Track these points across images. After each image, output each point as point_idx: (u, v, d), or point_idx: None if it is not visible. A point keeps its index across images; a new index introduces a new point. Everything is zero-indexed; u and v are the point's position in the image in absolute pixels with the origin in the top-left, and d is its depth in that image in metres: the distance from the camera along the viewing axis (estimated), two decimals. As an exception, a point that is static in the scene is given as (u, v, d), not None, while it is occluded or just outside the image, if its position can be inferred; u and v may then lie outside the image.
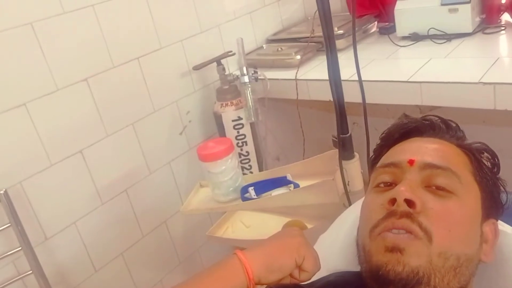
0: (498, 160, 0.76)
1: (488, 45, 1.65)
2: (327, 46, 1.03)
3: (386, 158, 0.75)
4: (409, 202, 0.64)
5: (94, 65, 1.47)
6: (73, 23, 1.40)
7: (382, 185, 0.72)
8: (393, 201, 0.65)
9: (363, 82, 1.52)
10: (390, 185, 0.70)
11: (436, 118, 0.79)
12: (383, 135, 0.81)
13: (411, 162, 0.69)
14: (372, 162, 0.81)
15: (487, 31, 1.71)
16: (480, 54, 1.59)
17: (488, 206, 0.71)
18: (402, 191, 0.64)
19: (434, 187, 0.67)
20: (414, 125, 0.78)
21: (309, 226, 1.21)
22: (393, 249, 0.62)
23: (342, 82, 1.23)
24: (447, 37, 1.71)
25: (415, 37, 1.77)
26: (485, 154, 0.76)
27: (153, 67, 1.63)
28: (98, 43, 1.47)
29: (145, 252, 1.70)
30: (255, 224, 1.37)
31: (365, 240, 0.68)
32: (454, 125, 0.79)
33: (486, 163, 0.75)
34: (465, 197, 0.67)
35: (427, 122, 0.78)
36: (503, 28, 1.70)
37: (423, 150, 0.72)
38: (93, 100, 1.48)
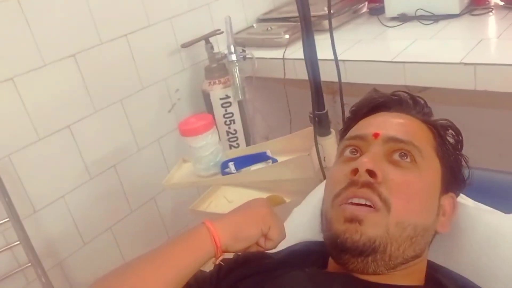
0: (462, 137, 0.78)
1: (474, 26, 1.66)
2: (302, 23, 1.04)
3: (353, 131, 0.77)
4: (371, 173, 0.66)
5: (81, 41, 1.49)
6: (60, -2, 1.41)
7: (347, 155, 0.74)
8: (355, 171, 0.67)
9: (348, 62, 1.54)
10: (355, 156, 0.73)
11: (405, 94, 0.81)
12: (353, 108, 0.83)
13: (375, 135, 0.72)
14: (342, 135, 0.83)
15: (475, 12, 1.72)
16: (465, 35, 1.60)
17: (448, 181, 0.73)
18: (364, 162, 0.67)
19: (397, 155, 0.69)
20: (382, 100, 0.80)
21: (287, 200, 1.24)
22: (352, 220, 0.65)
23: (329, 62, 1.24)
24: (435, 18, 1.71)
25: (403, 18, 1.78)
26: (450, 131, 0.78)
27: (142, 44, 1.65)
28: (85, 19, 1.48)
29: (133, 226, 1.74)
30: (237, 199, 1.40)
31: (327, 208, 0.71)
32: (422, 101, 0.81)
33: (450, 140, 0.77)
34: (425, 170, 0.70)
35: (395, 97, 0.80)
36: (491, 9, 1.71)
37: (388, 124, 0.74)
38: (81, 76, 1.50)
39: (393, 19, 1.83)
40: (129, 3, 1.59)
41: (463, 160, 0.78)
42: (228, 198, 1.43)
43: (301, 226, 0.93)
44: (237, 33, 1.91)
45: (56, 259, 1.53)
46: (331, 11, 1.83)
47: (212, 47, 1.72)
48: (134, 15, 1.61)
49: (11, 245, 1.35)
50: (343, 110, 1.16)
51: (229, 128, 1.75)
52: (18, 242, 1.35)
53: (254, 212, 0.74)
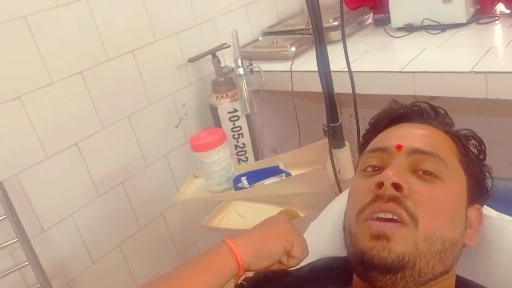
0: (484, 147, 0.77)
1: (482, 35, 1.66)
2: (316, 36, 1.03)
3: (374, 143, 0.76)
4: (396, 186, 0.64)
5: (88, 58, 1.48)
6: (67, 16, 1.41)
7: (370, 169, 0.72)
8: (380, 184, 0.66)
9: (356, 73, 1.53)
10: (378, 169, 0.71)
11: (425, 105, 0.79)
12: (372, 120, 0.81)
13: (398, 147, 0.70)
14: (361, 147, 0.81)
15: (481, 21, 1.71)
16: (474, 44, 1.60)
17: (474, 192, 0.72)
18: (389, 175, 0.65)
19: (421, 172, 0.68)
20: (403, 111, 0.78)
21: (301, 214, 1.22)
22: (379, 237, 0.63)
23: (337, 73, 1.24)
24: (441, 27, 1.71)
25: (409, 28, 1.77)
26: (472, 141, 0.77)
27: (148, 60, 1.64)
28: (92, 36, 1.48)
29: (142, 244, 1.71)
30: (249, 214, 1.38)
31: (351, 223, 0.69)
32: (442, 112, 0.79)
33: (473, 150, 0.76)
34: (451, 182, 0.68)
35: (416, 108, 0.79)
36: (497, 18, 1.71)
37: (411, 135, 0.72)
38: (88, 93, 1.49)
39: (399, 29, 1.82)
40: (135, 19, 1.59)
41: (486, 171, 0.76)
42: (240, 213, 1.41)
43: (320, 241, 0.91)
44: (243, 46, 1.90)
45: (65, 279, 1.51)
46: (337, 23, 1.84)
47: (219, 61, 1.71)
48: (141, 31, 1.61)
49: (20, 266, 1.33)
50: (358, 122, 1.14)
51: (237, 142, 1.73)
52: (27, 263, 1.33)
53: (275, 229, 0.71)
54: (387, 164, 0.69)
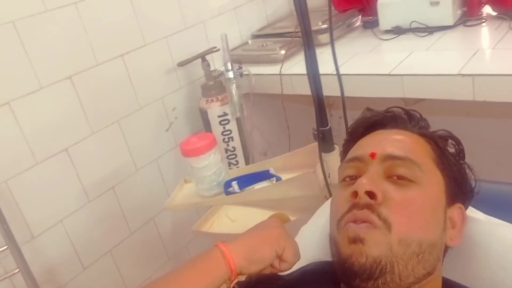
0: (462, 146, 0.78)
1: (469, 37, 1.68)
2: (304, 39, 1.04)
3: (351, 153, 0.77)
4: (370, 194, 0.66)
5: (77, 63, 1.47)
6: (56, 21, 1.40)
7: (347, 179, 0.74)
8: (355, 194, 0.67)
9: (345, 76, 1.54)
10: (355, 178, 0.72)
11: (399, 110, 0.81)
12: (349, 130, 0.83)
13: (372, 155, 0.71)
14: (341, 157, 0.83)
15: (468, 23, 1.73)
16: (461, 47, 1.62)
17: (453, 192, 0.72)
18: (363, 184, 0.66)
19: (395, 177, 0.69)
20: (376, 118, 0.80)
21: (292, 218, 1.23)
22: (355, 240, 0.65)
23: (326, 76, 1.24)
24: (429, 30, 1.73)
25: (397, 31, 1.79)
26: (450, 141, 0.78)
27: (138, 64, 1.63)
28: (81, 40, 1.47)
29: (133, 249, 1.71)
30: (240, 218, 1.39)
31: (334, 232, 0.71)
32: (417, 115, 0.80)
33: (450, 150, 0.77)
34: (426, 184, 0.69)
35: (389, 114, 0.80)
36: (484, 20, 1.72)
37: (385, 142, 0.74)
38: (78, 98, 1.49)
39: (388, 32, 1.84)
40: (124, 23, 1.59)
41: (468, 169, 0.77)
42: (231, 217, 1.42)
43: (310, 245, 0.91)
44: (232, 50, 1.91)
45: (55, 285, 1.50)
46: (326, 25, 1.85)
47: (208, 65, 1.71)
48: (130, 35, 1.61)
49: (10, 274, 1.31)
50: (347, 126, 1.15)
51: (228, 145, 1.73)
52: (17, 270, 1.31)
53: (267, 233, 0.72)
54: (362, 172, 0.71)
